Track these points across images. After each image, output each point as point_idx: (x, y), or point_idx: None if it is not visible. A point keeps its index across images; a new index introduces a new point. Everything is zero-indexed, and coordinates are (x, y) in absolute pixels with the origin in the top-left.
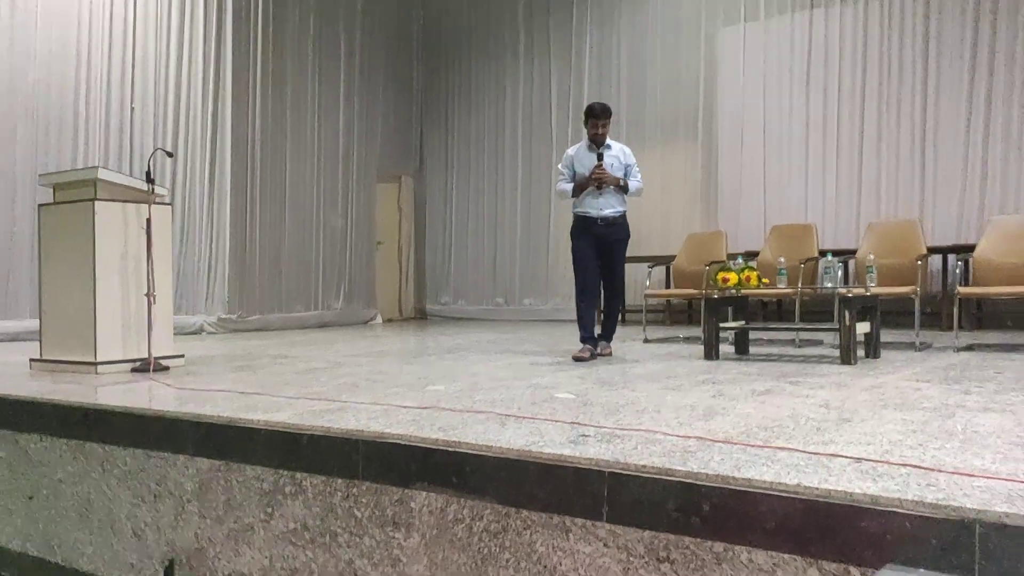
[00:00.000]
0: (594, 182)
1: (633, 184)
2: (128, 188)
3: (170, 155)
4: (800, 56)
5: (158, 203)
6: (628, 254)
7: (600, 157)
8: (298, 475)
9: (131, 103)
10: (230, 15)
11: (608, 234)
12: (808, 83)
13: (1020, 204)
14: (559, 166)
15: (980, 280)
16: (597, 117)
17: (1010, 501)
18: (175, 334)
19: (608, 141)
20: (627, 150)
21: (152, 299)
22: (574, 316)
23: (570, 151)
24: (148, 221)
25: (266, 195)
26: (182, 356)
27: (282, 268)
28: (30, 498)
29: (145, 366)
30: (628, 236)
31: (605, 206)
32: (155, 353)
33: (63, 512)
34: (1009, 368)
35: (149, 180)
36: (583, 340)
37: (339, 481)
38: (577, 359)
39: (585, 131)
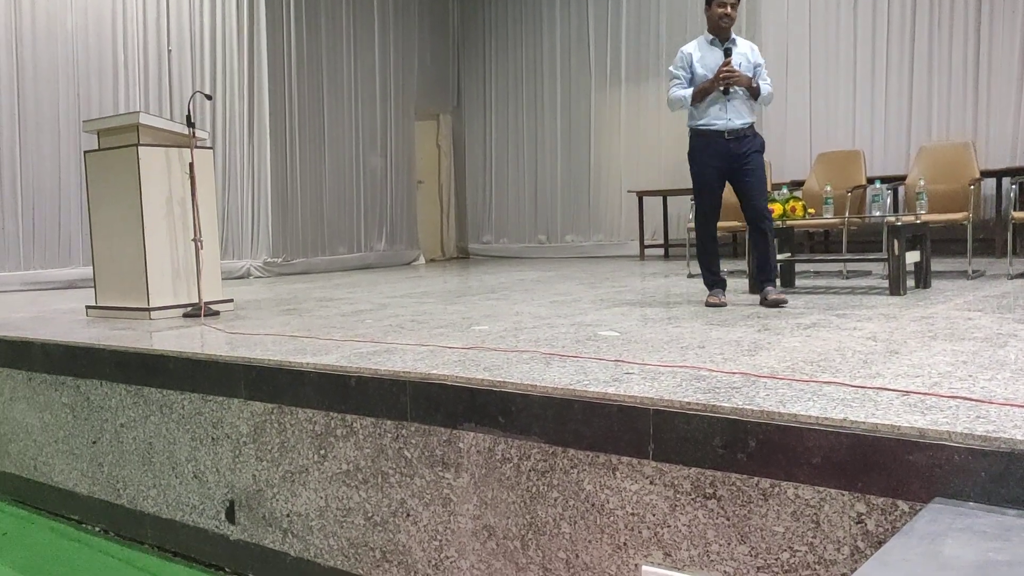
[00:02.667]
0: (721, 83)
1: (765, 88)
2: (170, 133)
3: (209, 98)
4: None
5: (200, 147)
6: (669, 185)
7: (728, 52)
8: (348, 417)
9: (168, 46)
10: None
11: (738, 149)
12: (856, 1)
13: None
14: (671, 68)
15: None
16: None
17: None
18: (223, 279)
19: (736, 37)
20: (755, 47)
21: (199, 244)
22: (618, 252)
23: (686, 48)
24: (191, 165)
25: (305, 136)
26: (231, 300)
27: (324, 210)
28: (94, 443)
29: (196, 311)
30: (763, 148)
31: (735, 115)
32: (205, 298)
33: (126, 456)
34: None
35: (190, 124)
36: (709, 284)
37: (388, 423)
38: (709, 305)
39: (706, 22)
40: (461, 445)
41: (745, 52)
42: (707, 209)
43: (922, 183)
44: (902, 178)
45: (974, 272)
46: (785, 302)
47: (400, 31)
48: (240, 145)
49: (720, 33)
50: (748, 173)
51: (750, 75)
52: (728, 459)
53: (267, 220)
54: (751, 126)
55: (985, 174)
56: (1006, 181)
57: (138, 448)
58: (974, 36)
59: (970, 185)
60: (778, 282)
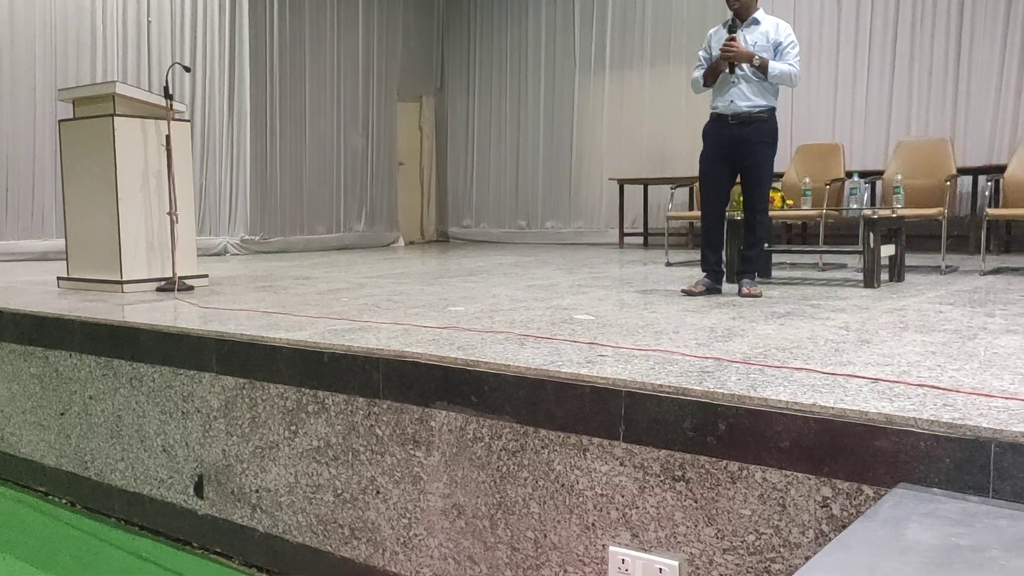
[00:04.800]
0: (723, 62)
1: (776, 65)
2: (147, 104)
3: (187, 70)
4: None
5: (177, 119)
6: (650, 174)
7: (732, 29)
8: (320, 394)
9: (147, 16)
10: None
11: (742, 135)
12: None
13: None
14: (700, 52)
15: (1010, 202)
16: None
17: None
18: (199, 255)
19: (759, 15)
20: (783, 25)
21: (175, 218)
22: (597, 240)
23: (711, 30)
24: (168, 138)
25: (286, 114)
26: (206, 276)
27: (303, 189)
28: (62, 414)
29: (170, 285)
30: (772, 139)
31: (739, 98)
32: (179, 273)
33: (95, 428)
34: None
35: (168, 96)
36: (703, 270)
37: (360, 400)
38: (685, 292)
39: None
40: (433, 424)
41: (767, 31)
42: (707, 194)
43: (899, 178)
44: (880, 172)
45: (947, 267)
46: (759, 296)
47: (385, 11)
48: (219, 120)
49: (738, 14)
50: (748, 164)
51: (767, 55)
52: (698, 442)
53: (245, 197)
54: (763, 110)
55: (962, 171)
56: (982, 179)
57: (107, 421)
58: (955, 36)
59: (946, 181)
60: (756, 275)
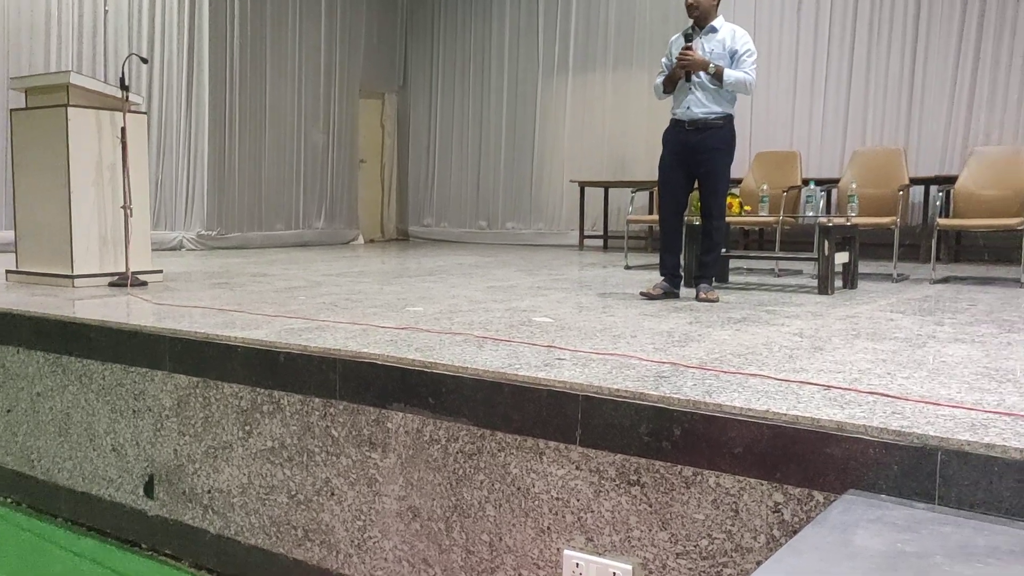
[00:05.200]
0: (679, 69)
1: (731, 73)
2: (102, 95)
3: (145, 61)
4: None
5: (133, 111)
6: (611, 177)
7: (689, 38)
8: (276, 393)
9: (104, 5)
10: None
11: (698, 142)
12: (800, 5)
13: (1004, 135)
14: (662, 59)
15: (960, 212)
16: None
17: (972, 430)
18: (153, 250)
19: (718, 23)
20: (740, 33)
21: (129, 212)
22: (558, 241)
23: (672, 38)
24: (123, 130)
25: (245, 108)
26: (160, 272)
27: (262, 185)
28: (8, 411)
29: (123, 280)
30: (727, 146)
31: (695, 104)
32: (133, 268)
33: (42, 426)
34: (983, 300)
35: (123, 87)
36: (661, 274)
37: (316, 400)
38: (643, 295)
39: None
40: (389, 425)
41: (724, 38)
42: (665, 198)
43: (854, 186)
44: (836, 181)
45: (899, 275)
46: (716, 300)
47: (348, 7)
48: (177, 113)
49: (697, 22)
50: (704, 171)
51: (724, 62)
52: (653, 447)
53: (203, 192)
54: (719, 117)
55: (914, 181)
56: (934, 189)
57: (55, 419)
58: (911, 49)
59: (899, 191)
60: (713, 280)
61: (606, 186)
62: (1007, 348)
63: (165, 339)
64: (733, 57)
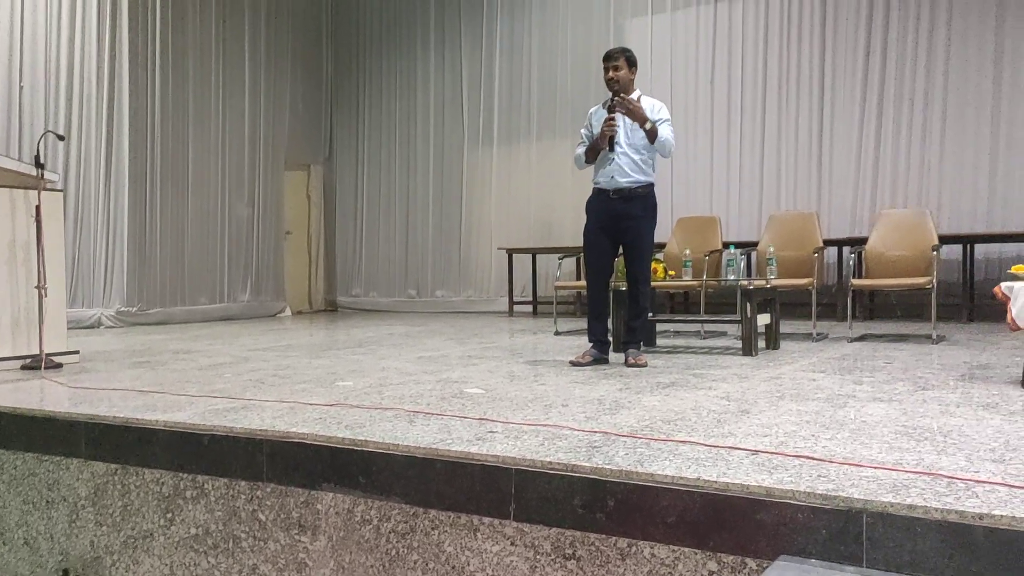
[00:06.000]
0: (604, 137)
1: (663, 131)
2: (15, 173)
3: (61, 138)
4: (705, 50)
5: (48, 189)
6: (538, 243)
7: (611, 109)
8: (199, 478)
9: (19, 82)
10: None
11: (622, 210)
12: (713, 77)
13: (908, 198)
14: (581, 129)
15: (872, 272)
16: (606, 59)
17: (894, 491)
18: (70, 328)
19: (638, 96)
20: (658, 104)
21: (43, 292)
22: (487, 308)
23: (591, 109)
24: (37, 208)
25: (167, 181)
26: (77, 352)
27: (185, 258)
28: None
29: (36, 363)
30: (650, 213)
31: (619, 174)
32: (47, 349)
33: None
34: (898, 358)
35: (39, 165)
36: (589, 340)
37: (242, 483)
38: (573, 363)
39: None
40: (319, 507)
41: (643, 109)
42: (592, 265)
43: (771, 250)
44: (755, 244)
45: (818, 335)
46: (644, 365)
47: (272, 78)
48: (95, 188)
49: (616, 94)
50: (629, 239)
51: (640, 134)
52: (587, 519)
53: (122, 267)
54: (642, 186)
55: (828, 243)
56: (846, 250)
57: None
58: (817, 118)
59: (815, 253)
60: (641, 345)
61: (534, 252)
62: (923, 406)
63: (81, 425)
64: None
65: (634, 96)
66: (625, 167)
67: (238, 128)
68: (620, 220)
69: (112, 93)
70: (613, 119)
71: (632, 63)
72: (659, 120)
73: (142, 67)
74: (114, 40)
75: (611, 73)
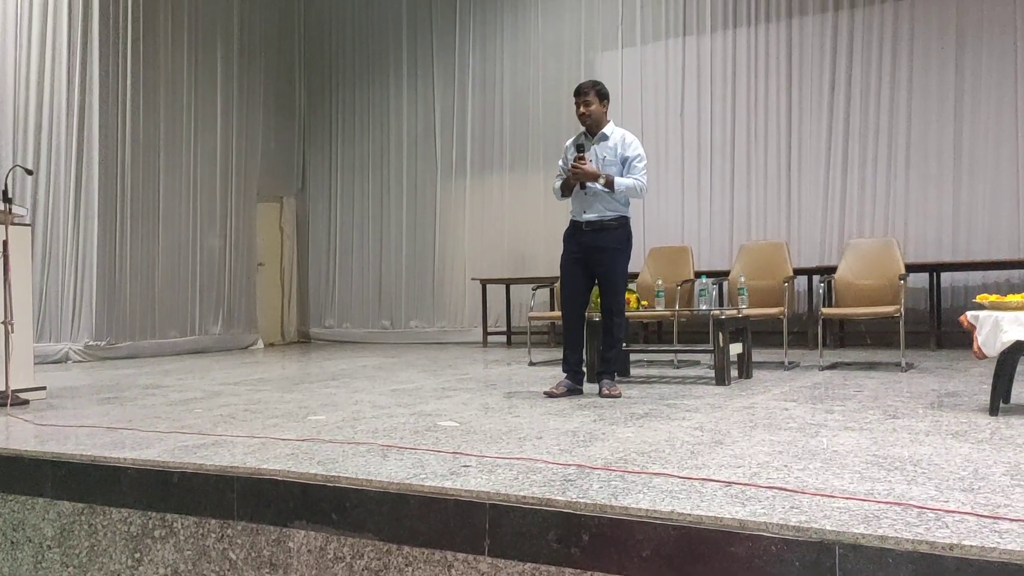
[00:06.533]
0: (573, 179)
1: (622, 181)
2: None
3: (29, 172)
4: (675, 82)
5: (16, 224)
6: (512, 274)
7: (580, 148)
8: (168, 516)
9: None
10: (96, 24)
11: (595, 241)
12: (683, 110)
13: (875, 227)
14: (559, 162)
15: (841, 300)
16: (577, 94)
17: (866, 522)
18: (37, 363)
19: (609, 129)
20: (630, 139)
21: (9, 327)
22: (461, 339)
23: (567, 142)
24: (4, 243)
25: (138, 214)
26: (43, 388)
27: (156, 292)
28: None
29: (2, 400)
30: (623, 245)
31: (589, 208)
32: (13, 385)
33: None
34: (868, 386)
35: (6, 199)
36: (563, 371)
37: (212, 522)
38: (547, 394)
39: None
40: (291, 544)
41: (615, 144)
42: (566, 296)
43: (743, 279)
44: (726, 273)
45: (790, 363)
46: (618, 396)
47: (244, 111)
48: (64, 222)
49: (589, 129)
50: (602, 271)
51: (613, 170)
52: (562, 554)
53: (91, 301)
54: (616, 219)
55: (798, 272)
56: (816, 279)
57: None
58: (786, 149)
59: (784, 282)
60: (616, 375)
61: (507, 283)
62: (893, 434)
63: (47, 464)
64: (624, 163)
65: (612, 128)
66: (597, 202)
67: (210, 161)
68: (593, 252)
69: (82, 126)
70: (582, 157)
71: (603, 96)
72: (631, 158)
73: (112, 100)
74: (84, 73)
75: (582, 108)
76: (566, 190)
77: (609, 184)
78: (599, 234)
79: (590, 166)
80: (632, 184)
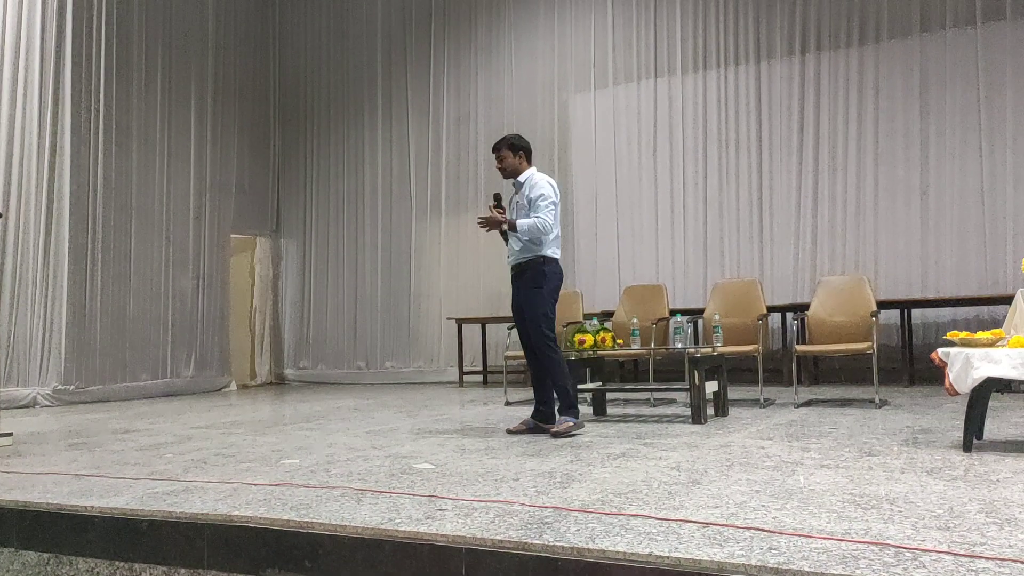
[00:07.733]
0: (482, 228)
1: (523, 223)
2: None
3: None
4: (647, 123)
5: None
6: (487, 313)
7: (496, 198)
8: (136, 566)
9: None
10: (69, 66)
11: (516, 282)
12: (655, 150)
13: (847, 265)
14: None
15: (815, 338)
16: (493, 151)
17: (843, 562)
18: (3, 408)
19: (524, 176)
20: (534, 181)
21: None
22: (437, 379)
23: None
24: None
25: (108, 256)
26: (10, 434)
27: (126, 334)
28: None
29: None
30: (534, 283)
31: (511, 253)
32: None
33: None
34: (843, 423)
35: None
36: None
37: (182, 571)
38: (509, 432)
39: None
40: None
41: (526, 190)
42: (521, 336)
43: (717, 317)
44: (700, 311)
45: (765, 400)
46: (567, 433)
47: (218, 153)
48: (34, 264)
49: (508, 177)
50: (520, 312)
51: (522, 213)
52: None
53: (60, 344)
54: (530, 260)
55: (771, 309)
56: (789, 316)
57: None
58: (757, 188)
59: (759, 319)
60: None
61: (483, 322)
62: (869, 472)
63: (12, 513)
64: (531, 204)
65: (527, 174)
66: (514, 246)
67: (183, 202)
68: (518, 292)
69: (52, 168)
70: (497, 205)
71: (515, 148)
72: (534, 199)
73: (84, 143)
74: (56, 115)
75: (497, 164)
76: (503, 236)
77: (512, 227)
78: (519, 276)
79: (496, 214)
80: (532, 223)
